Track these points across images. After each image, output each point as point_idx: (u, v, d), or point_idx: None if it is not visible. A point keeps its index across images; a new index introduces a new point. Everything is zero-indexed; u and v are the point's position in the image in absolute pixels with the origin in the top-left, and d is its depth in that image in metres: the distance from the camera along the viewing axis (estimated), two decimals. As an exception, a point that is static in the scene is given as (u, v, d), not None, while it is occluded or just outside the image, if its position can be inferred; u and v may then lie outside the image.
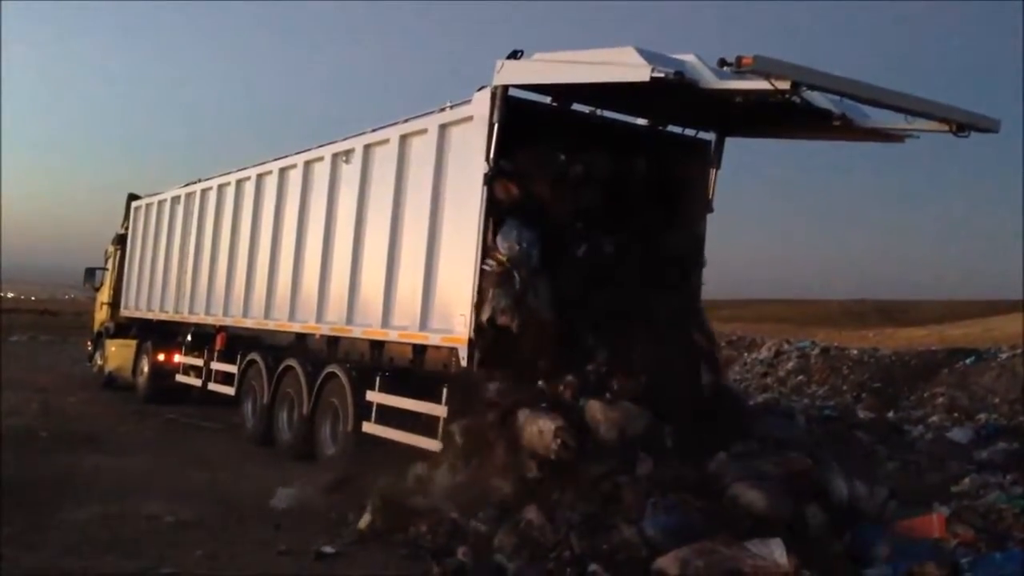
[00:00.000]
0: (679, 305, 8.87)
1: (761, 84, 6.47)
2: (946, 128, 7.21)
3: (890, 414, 15.43)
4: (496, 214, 8.03)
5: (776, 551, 6.04)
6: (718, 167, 9.19)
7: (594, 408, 7.27)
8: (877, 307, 64.68)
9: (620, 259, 8.52)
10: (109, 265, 18.39)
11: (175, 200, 15.15)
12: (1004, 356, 19.22)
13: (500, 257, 7.92)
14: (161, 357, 15.26)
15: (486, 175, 7.95)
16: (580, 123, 8.70)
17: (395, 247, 9.28)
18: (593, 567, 6.02)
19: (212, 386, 13.26)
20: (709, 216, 9.27)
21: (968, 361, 19.44)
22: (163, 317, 15.12)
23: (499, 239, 7.95)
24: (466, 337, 7.99)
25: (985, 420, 14.27)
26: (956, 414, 15.66)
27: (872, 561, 6.36)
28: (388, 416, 9.11)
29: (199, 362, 13.77)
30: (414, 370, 10.02)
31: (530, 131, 8.11)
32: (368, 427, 9.29)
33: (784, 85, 6.36)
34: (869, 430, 11.80)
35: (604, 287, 8.32)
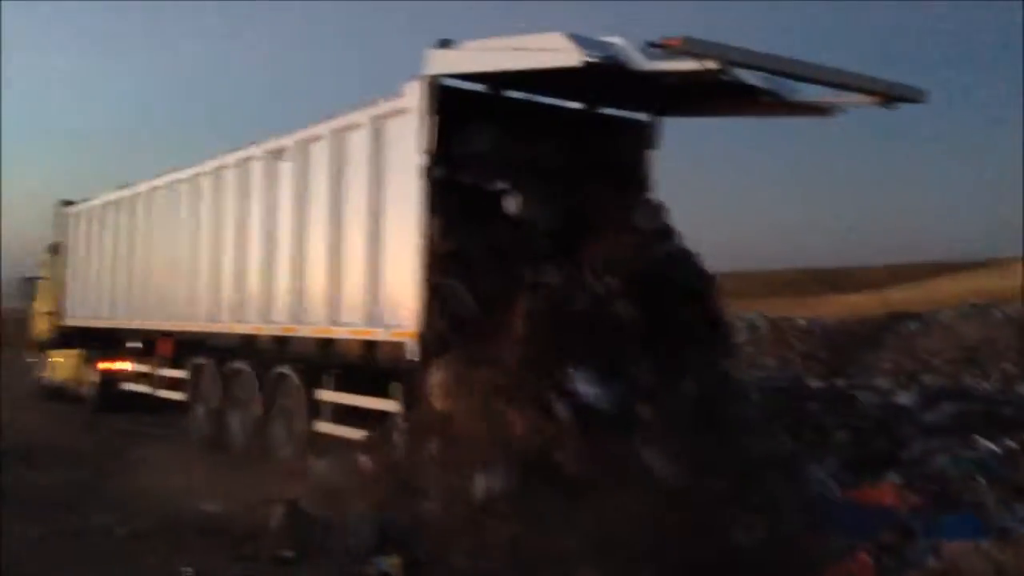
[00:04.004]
0: None
1: (690, 64, 6.51)
2: (873, 100, 7.33)
3: (839, 382, 15.72)
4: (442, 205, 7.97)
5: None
6: (655, 148, 9.25)
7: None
8: (816, 276, 65.61)
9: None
10: (45, 274, 18.03)
11: (111, 205, 14.85)
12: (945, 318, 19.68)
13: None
14: (107, 365, 15.00)
15: (423, 167, 7.92)
16: (524, 109, 8.65)
17: (338, 243, 9.17)
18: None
19: (161, 392, 13.08)
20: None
21: (912, 326, 19.87)
22: (107, 324, 14.84)
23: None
24: (414, 331, 7.95)
25: (929, 383, 14.62)
26: (901, 378, 16.05)
27: (830, 531, 6.45)
28: (341, 414, 9.06)
29: (146, 369, 13.55)
30: (366, 366, 9.95)
31: (471, 120, 8.07)
32: (321, 426, 9.23)
33: (712, 65, 6.41)
34: (820, 400, 11.99)
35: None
